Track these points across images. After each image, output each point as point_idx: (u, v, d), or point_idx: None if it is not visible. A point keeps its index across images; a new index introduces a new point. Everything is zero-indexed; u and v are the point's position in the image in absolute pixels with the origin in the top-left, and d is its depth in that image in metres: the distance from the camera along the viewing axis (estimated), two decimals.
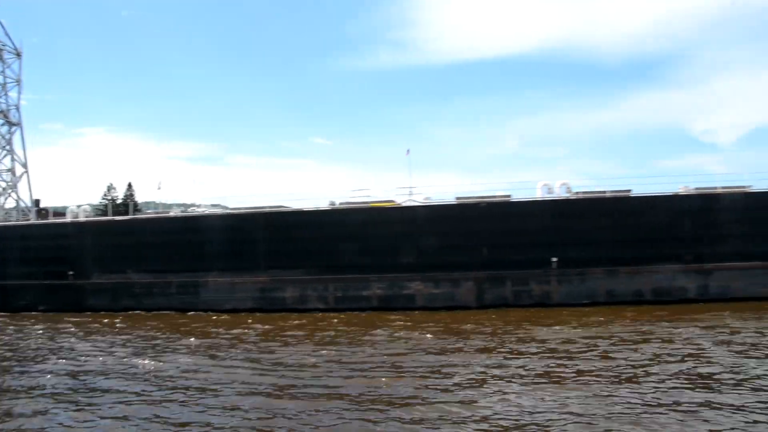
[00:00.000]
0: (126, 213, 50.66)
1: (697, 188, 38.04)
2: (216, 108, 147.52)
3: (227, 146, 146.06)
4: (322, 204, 40.00)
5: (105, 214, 58.16)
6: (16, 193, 56.20)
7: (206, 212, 42.89)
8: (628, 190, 38.01)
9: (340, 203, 40.10)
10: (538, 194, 38.04)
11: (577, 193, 38.56)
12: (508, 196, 38.67)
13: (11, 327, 33.11)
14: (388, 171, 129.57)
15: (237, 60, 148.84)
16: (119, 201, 74.82)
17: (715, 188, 37.26)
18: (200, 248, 38.93)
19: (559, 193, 37.75)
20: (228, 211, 42.60)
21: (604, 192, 38.09)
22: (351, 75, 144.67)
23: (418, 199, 39.15)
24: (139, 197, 77.78)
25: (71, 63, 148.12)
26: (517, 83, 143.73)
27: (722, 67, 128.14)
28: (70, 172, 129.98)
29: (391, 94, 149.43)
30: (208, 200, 53.01)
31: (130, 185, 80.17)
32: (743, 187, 37.88)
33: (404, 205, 38.51)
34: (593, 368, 18.37)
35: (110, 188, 79.05)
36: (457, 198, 38.92)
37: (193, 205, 54.22)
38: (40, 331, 30.91)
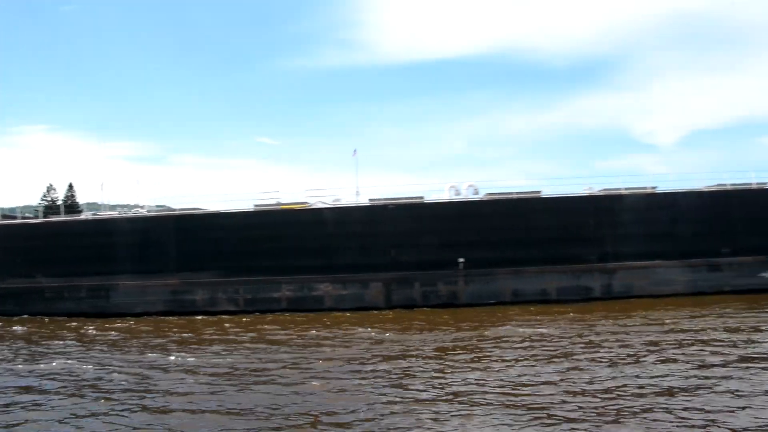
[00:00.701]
0: (72, 213, 49.81)
1: (605, 189, 38.78)
2: (159, 107, 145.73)
3: (171, 146, 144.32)
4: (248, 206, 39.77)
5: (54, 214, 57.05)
6: None
7: (116, 215, 42.37)
8: (538, 192, 38.58)
9: (255, 205, 39.99)
10: (445, 196, 38.37)
11: (490, 194, 39.00)
12: (421, 197, 38.96)
13: None
14: (335, 171, 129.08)
15: (181, 58, 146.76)
16: (59, 202, 73.65)
17: (619, 189, 37.97)
18: (111, 251, 38.50)
19: (466, 195, 38.11)
20: (139, 214, 42.22)
21: (511, 194, 38.59)
22: (297, 74, 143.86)
23: (347, 199, 39.28)
24: (81, 198, 76.76)
25: (9, 60, 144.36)
26: (465, 84, 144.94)
27: (662, 71, 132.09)
28: (8, 173, 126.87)
29: (338, 94, 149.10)
30: (152, 201, 52.47)
31: (71, 186, 78.90)
32: (651, 188, 38.73)
33: (314, 207, 38.56)
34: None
35: (50, 189, 77.76)
36: (370, 200, 39.12)
37: (136, 206, 53.59)
38: None
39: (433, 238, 36.53)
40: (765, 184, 38.57)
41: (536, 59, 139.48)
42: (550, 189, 39.38)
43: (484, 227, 36.65)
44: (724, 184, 38.84)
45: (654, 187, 38.70)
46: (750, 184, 38.58)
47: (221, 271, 37.28)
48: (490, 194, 38.93)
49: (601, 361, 19.05)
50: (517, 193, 38.77)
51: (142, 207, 50.99)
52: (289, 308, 36.23)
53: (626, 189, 38.01)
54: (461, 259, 36.10)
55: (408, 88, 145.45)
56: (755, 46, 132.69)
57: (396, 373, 18.50)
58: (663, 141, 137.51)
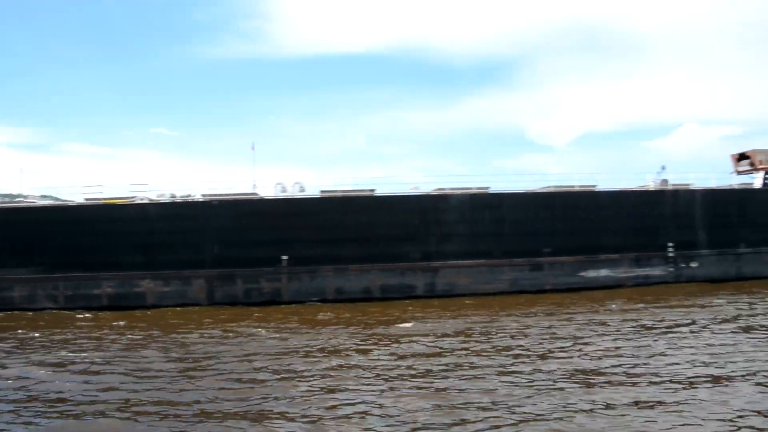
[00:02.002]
0: None
1: (438, 189, 39.12)
2: (47, 92, 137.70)
3: (60, 134, 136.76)
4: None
5: None
6: None
7: None
8: (372, 190, 38.70)
9: (86, 199, 39.02)
10: (270, 193, 38.18)
11: (323, 192, 38.91)
12: (255, 193, 38.68)
13: None
14: (234, 164, 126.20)
15: (74, 41, 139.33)
16: None
17: (443, 189, 38.36)
18: None
19: (292, 192, 37.97)
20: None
21: (347, 191, 38.63)
22: (198, 64, 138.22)
23: (182, 194, 38.68)
24: None
25: None
26: (369, 80, 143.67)
27: (560, 75, 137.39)
28: None
29: (239, 85, 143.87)
30: (38, 190, 50.65)
31: None
32: (484, 188, 39.24)
33: (137, 202, 37.88)
34: None
35: None
36: (203, 195, 38.63)
37: (20, 195, 51.80)
38: None
39: (258, 234, 36.29)
40: (587, 186, 39.48)
41: (440, 57, 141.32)
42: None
43: (311, 225, 36.53)
44: (548, 187, 39.77)
45: (486, 188, 39.25)
46: (573, 186, 39.50)
47: (41, 267, 36.28)
48: (325, 192, 38.83)
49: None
50: (352, 191, 38.85)
51: (25, 197, 49.43)
52: (111, 305, 35.51)
53: (460, 189, 38.34)
54: (285, 257, 35.96)
55: (312, 82, 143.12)
56: (648, 56, 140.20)
57: None
58: (557, 142, 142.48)
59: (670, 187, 40.11)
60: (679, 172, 45.72)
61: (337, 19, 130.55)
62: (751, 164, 46.53)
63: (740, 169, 46.72)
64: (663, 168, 40.66)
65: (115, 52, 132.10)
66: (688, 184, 41.72)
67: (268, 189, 38.63)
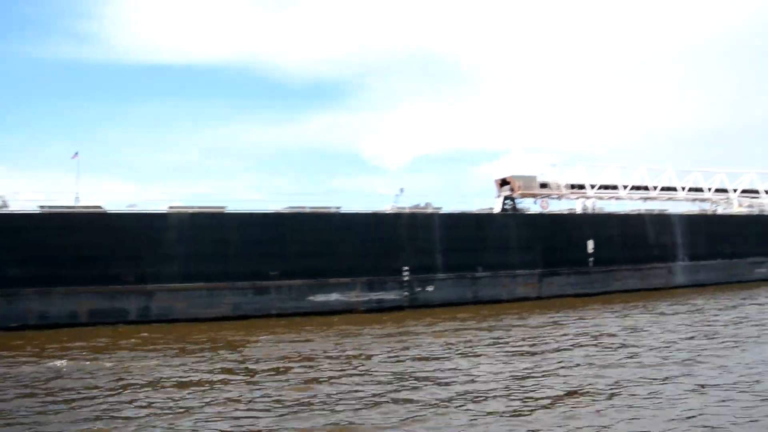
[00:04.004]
0: None
1: (172, 206, 37.38)
2: None
3: None
4: None
5: None
6: None
7: None
8: (98, 207, 36.55)
9: None
10: None
11: (43, 207, 36.35)
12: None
13: None
14: (55, 172, 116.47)
15: None
16: None
17: (176, 207, 36.64)
18: None
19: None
20: None
21: (73, 208, 36.32)
22: (21, 63, 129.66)
23: None
24: None
25: None
26: (207, 91, 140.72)
27: (394, 98, 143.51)
28: None
29: (66, 89, 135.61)
30: None
31: None
32: (220, 207, 37.82)
33: None
34: None
35: None
36: None
37: None
38: None
39: None
40: (317, 208, 38.79)
41: (279, 74, 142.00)
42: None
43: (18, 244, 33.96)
44: (293, 207, 38.95)
45: (223, 207, 37.94)
46: (304, 207, 38.79)
47: None
48: (45, 207, 36.29)
49: None
50: (78, 207, 36.58)
51: None
52: None
53: (194, 207, 36.73)
54: None
55: (147, 91, 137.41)
56: (477, 86, 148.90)
57: None
58: (391, 164, 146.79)
59: (407, 211, 40.00)
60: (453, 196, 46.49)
61: (176, 27, 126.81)
62: (512, 189, 47.53)
63: (503, 193, 47.58)
64: (401, 191, 40.52)
65: None
66: (426, 207, 41.90)
67: None
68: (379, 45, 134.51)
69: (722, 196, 58.66)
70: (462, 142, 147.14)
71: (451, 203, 44.19)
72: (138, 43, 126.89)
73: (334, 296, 37.32)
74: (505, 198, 41.93)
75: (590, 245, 43.87)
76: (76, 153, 40.95)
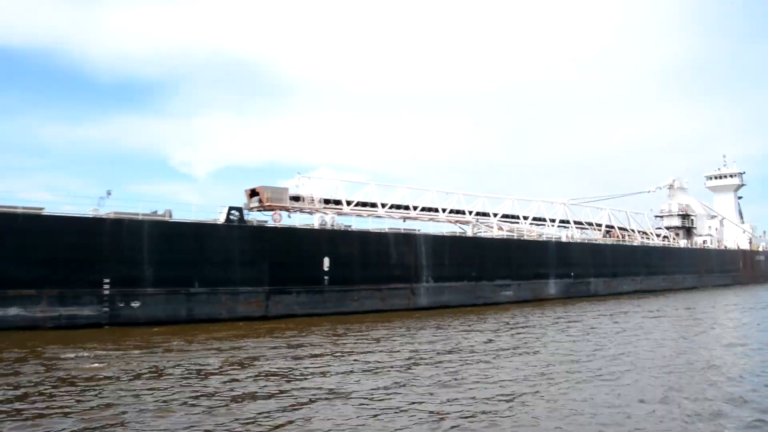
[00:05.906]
0: None
1: None
2: None
3: None
4: None
5: None
6: None
7: None
8: None
9: None
10: None
11: None
12: None
13: None
14: None
15: None
16: None
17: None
18: None
19: None
20: None
21: None
22: None
23: None
24: None
25: None
26: None
27: (205, 106, 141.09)
28: None
29: None
30: None
31: None
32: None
33: None
34: None
35: None
36: None
37: None
38: None
39: None
40: (10, 207, 34.10)
41: (85, 66, 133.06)
42: None
43: None
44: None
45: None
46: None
47: None
48: None
49: None
50: None
51: None
52: None
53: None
54: None
55: None
56: (291, 98, 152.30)
57: None
58: (198, 172, 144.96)
59: (112, 216, 36.54)
60: None
61: None
62: (260, 200, 45.87)
63: (252, 205, 45.77)
64: (108, 193, 36.89)
65: None
66: (164, 215, 38.98)
67: None
68: (195, 51, 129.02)
69: (483, 219, 61.39)
70: (276, 155, 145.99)
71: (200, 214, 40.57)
72: None
73: (13, 311, 32.92)
74: (231, 209, 39.68)
75: (326, 262, 43.00)
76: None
